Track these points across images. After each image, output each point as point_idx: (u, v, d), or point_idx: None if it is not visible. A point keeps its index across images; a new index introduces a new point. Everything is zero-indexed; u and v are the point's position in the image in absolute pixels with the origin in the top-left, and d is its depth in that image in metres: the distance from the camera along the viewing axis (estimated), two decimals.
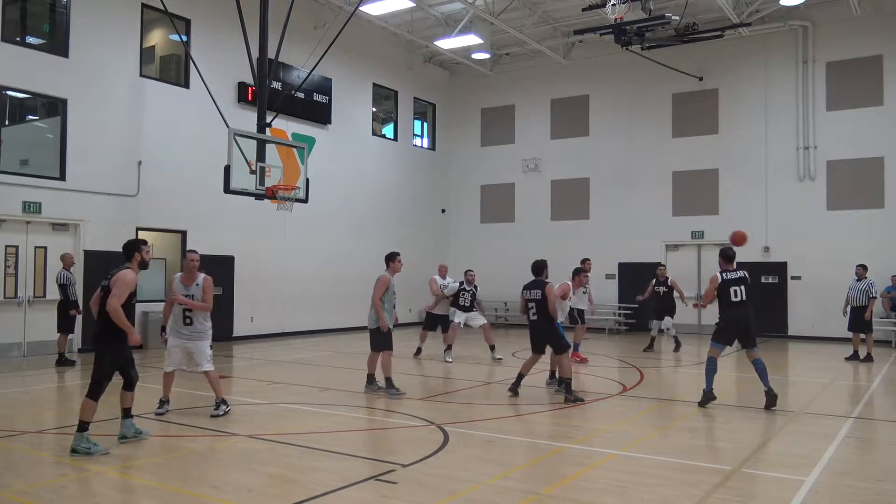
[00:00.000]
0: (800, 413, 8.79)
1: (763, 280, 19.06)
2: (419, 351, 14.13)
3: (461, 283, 13.90)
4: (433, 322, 14.12)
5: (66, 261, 12.78)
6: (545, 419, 8.34)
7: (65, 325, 12.65)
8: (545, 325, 9.34)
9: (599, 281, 21.40)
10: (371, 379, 9.89)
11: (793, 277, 18.93)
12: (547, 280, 9.53)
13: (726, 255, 9.12)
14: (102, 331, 6.59)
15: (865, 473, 6.18)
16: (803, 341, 18.06)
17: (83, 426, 6.42)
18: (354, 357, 14.49)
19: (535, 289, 9.35)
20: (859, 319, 13.82)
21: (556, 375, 9.83)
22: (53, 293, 13.06)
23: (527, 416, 8.49)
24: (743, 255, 19.75)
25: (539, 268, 9.56)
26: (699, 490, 5.49)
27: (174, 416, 8.23)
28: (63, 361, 12.47)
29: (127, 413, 6.92)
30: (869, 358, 13.66)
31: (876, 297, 14.04)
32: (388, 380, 9.63)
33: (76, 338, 13.94)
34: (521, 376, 9.59)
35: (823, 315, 17.92)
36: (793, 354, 15.90)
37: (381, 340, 9.60)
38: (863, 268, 14.17)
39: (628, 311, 20.83)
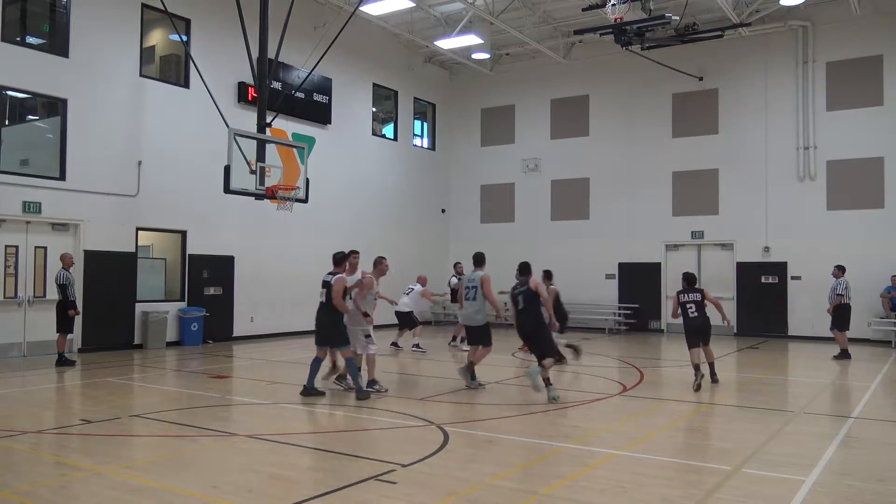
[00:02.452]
0: (800, 413, 8.80)
1: (763, 280, 19.07)
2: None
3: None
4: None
5: (66, 261, 12.75)
6: (545, 419, 8.33)
7: (64, 326, 12.62)
8: (707, 321, 10.73)
9: (600, 281, 21.47)
10: (473, 372, 10.39)
11: (793, 277, 18.91)
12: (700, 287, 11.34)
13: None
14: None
15: (865, 473, 6.18)
16: (803, 341, 18.06)
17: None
18: None
19: (694, 292, 10.79)
20: (836, 318, 14.48)
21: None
22: (53, 293, 13.03)
23: (527, 416, 8.49)
24: (744, 255, 20.09)
25: (695, 277, 11.29)
26: (699, 490, 5.49)
27: (174, 416, 8.23)
28: (63, 362, 12.45)
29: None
30: (843, 355, 14.16)
31: (843, 295, 14.39)
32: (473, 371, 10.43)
33: (76, 338, 13.95)
34: (697, 367, 10.45)
35: (823, 315, 17.79)
36: (793, 354, 15.91)
37: (486, 336, 10.34)
38: (839, 269, 14.71)
39: (628, 311, 20.83)
